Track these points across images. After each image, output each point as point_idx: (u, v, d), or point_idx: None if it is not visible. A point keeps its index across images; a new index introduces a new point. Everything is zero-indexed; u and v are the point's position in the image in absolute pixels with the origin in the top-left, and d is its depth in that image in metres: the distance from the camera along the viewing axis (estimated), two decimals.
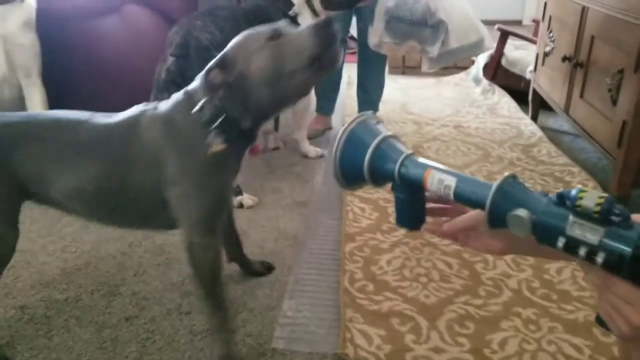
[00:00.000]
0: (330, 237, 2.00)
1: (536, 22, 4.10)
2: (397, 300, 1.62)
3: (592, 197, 0.73)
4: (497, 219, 0.80)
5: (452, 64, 3.00)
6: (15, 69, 2.25)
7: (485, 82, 3.84)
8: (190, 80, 1.40)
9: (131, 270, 1.80)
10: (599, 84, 2.30)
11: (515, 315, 1.55)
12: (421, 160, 0.91)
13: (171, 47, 2.03)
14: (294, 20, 2.25)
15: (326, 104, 3.12)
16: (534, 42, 3.55)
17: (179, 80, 1.43)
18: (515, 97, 3.57)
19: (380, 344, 1.45)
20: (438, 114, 3.39)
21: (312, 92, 2.76)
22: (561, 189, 0.77)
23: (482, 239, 0.92)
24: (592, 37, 2.42)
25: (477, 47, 2.69)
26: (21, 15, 2.21)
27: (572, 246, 0.74)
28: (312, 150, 2.76)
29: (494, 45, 2.83)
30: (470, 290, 1.67)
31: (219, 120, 1.29)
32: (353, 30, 3.15)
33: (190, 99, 1.35)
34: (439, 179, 0.87)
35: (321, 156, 2.75)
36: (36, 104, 2.30)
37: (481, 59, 3.93)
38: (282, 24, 1.35)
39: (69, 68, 2.52)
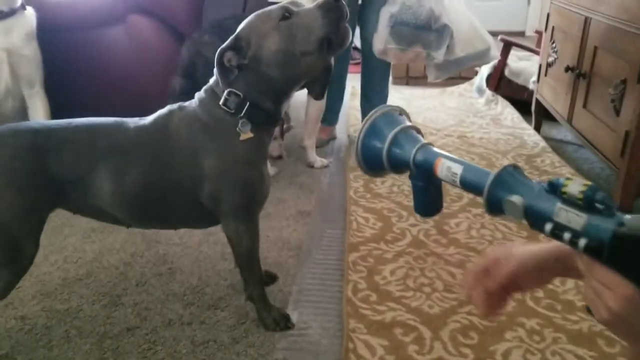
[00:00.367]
0: (334, 247, 1.99)
1: (539, 33, 4.11)
2: (400, 311, 1.61)
3: (576, 184, 0.77)
4: (494, 204, 0.85)
5: (458, 73, 2.98)
6: (18, 80, 2.26)
7: (488, 92, 3.84)
8: None
9: (133, 280, 1.79)
10: (601, 95, 2.30)
11: (519, 325, 1.54)
12: (434, 149, 0.97)
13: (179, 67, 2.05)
14: None
15: (330, 115, 3.12)
16: (536, 52, 3.56)
17: (186, 100, 1.49)
18: (519, 107, 3.57)
19: (383, 354, 1.44)
20: (442, 124, 3.39)
21: (324, 100, 2.75)
22: (552, 178, 0.81)
23: (532, 278, 0.93)
24: (595, 48, 2.42)
25: (483, 55, 2.69)
26: (24, 27, 2.23)
27: (558, 231, 0.78)
28: (318, 160, 2.75)
29: (498, 54, 2.84)
30: None
31: (246, 107, 1.35)
32: (357, 41, 3.15)
33: (212, 94, 1.40)
34: (448, 166, 0.92)
35: (326, 166, 2.74)
36: (39, 115, 2.31)
37: (484, 70, 3.94)
38: (292, 3, 1.37)
39: (73, 78, 2.53)
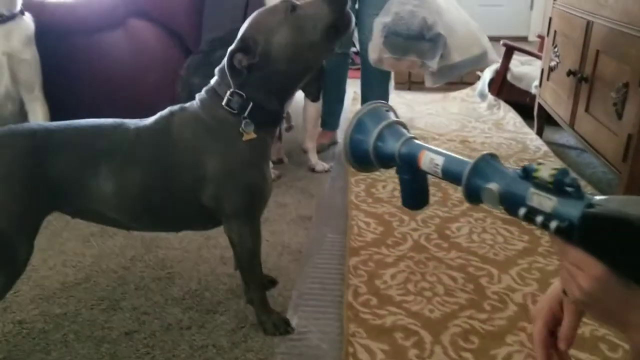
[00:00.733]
0: (335, 251, 1.98)
1: (541, 37, 4.11)
2: (400, 315, 1.59)
3: (547, 169, 0.79)
4: (473, 192, 0.88)
5: (457, 78, 2.97)
6: (18, 84, 2.26)
7: (490, 97, 3.83)
8: None
9: (132, 284, 1.78)
10: (604, 98, 2.29)
11: (520, 329, 1.52)
12: (418, 142, 1.00)
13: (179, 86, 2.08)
14: None
15: (331, 119, 3.12)
16: (539, 57, 3.55)
17: None
18: (521, 112, 3.56)
19: (383, 358, 1.42)
20: (444, 129, 3.38)
21: (321, 102, 2.75)
22: (526, 164, 0.82)
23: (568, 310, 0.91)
24: (597, 52, 2.41)
25: (480, 60, 2.68)
26: (23, 31, 2.23)
27: (531, 215, 0.80)
28: (319, 163, 2.75)
29: (499, 58, 2.82)
30: (475, 304, 1.64)
31: (249, 107, 1.35)
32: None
33: (214, 95, 1.40)
34: (431, 158, 0.95)
35: (327, 171, 2.74)
36: (39, 119, 2.31)
37: (487, 75, 3.93)
38: None
39: (73, 82, 2.53)
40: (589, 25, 2.50)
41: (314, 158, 2.76)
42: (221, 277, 1.82)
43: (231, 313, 1.64)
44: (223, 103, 1.36)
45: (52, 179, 1.34)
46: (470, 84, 4.24)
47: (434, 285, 1.74)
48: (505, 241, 1.99)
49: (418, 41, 2.55)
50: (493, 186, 0.84)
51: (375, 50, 2.63)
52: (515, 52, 3.75)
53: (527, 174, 0.81)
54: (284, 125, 2.87)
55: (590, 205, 0.77)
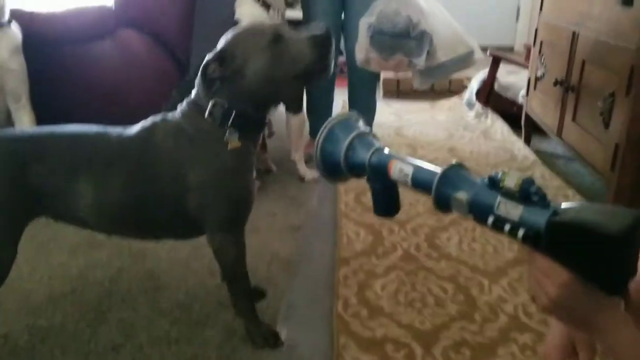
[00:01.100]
0: (325, 261, 1.97)
1: (527, 47, 4.13)
2: (391, 326, 1.58)
3: (512, 177, 0.82)
4: (442, 201, 0.91)
5: (445, 78, 2.96)
6: (4, 94, 2.24)
7: (478, 106, 3.84)
8: None
9: (119, 296, 1.76)
10: (590, 108, 2.30)
11: (511, 340, 1.52)
12: (387, 152, 1.04)
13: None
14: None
15: (320, 128, 3.10)
16: (525, 66, 3.56)
17: None
18: (508, 121, 3.57)
19: None
20: (432, 137, 3.39)
21: (303, 112, 2.74)
22: (493, 172, 0.85)
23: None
24: (583, 62, 2.42)
25: (466, 59, 2.68)
26: (10, 41, 2.21)
27: (499, 223, 0.83)
28: (308, 172, 2.74)
29: (484, 56, 2.80)
30: (465, 315, 1.63)
31: (232, 116, 1.35)
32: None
33: (195, 106, 1.39)
34: (400, 167, 0.98)
35: (316, 179, 2.73)
36: (26, 128, 2.28)
37: (474, 84, 3.95)
38: (282, 25, 1.38)
39: (62, 92, 2.51)
40: (574, 36, 2.51)
41: (302, 167, 2.75)
42: (209, 288, 1.80)
43: (220, 325, 1.62)
44: (206, 113, 1.36)
45: (34, 184, 1.35)
46: (458, 92, 4.26)
47: (424, 296, 1.73)
48: (495, 251, 1.98)
49: (404, 39, 2.55)
50: (462, 195, 0.87)
51: (361, 50, 2.63)
52: (502, 61, 3.77)
53: (494, 183, 0.84)
54: (266, 132, 2.86)
55: (556, 213, 0.79)
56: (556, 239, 0.79)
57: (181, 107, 1.44)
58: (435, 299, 1.71)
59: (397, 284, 1.80)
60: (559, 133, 2.64)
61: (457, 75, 4.15)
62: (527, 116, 3.23)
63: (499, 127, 3.52)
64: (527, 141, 3.27)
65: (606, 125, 2.14)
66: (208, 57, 1.34)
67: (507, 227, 0.82)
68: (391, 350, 1.48)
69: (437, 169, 0.93)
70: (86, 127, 1.45)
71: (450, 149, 3.15)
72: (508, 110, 3.63)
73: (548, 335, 0.98)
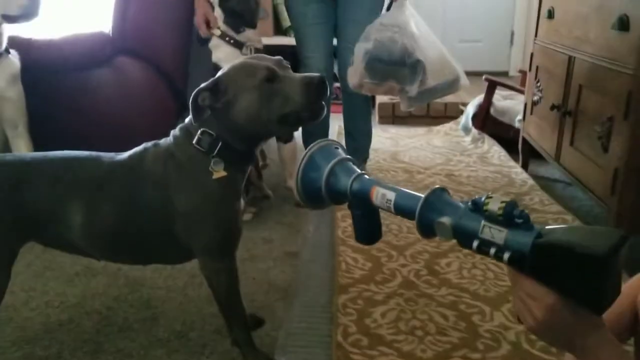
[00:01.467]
0: (323, 288, 1.95)
1: (523, 72, 4.15)
2: (392, 355, 1.56)
3: (496, 201, 0.83)
4: (426, 227, 0.91)
5: (430, 101, 2.97)
6: (2, 122, 2.23)
7: (474, 131, 3.85)
8: None
9: (116, 325, 1.74)
10: (588, 132, 2.30)
11: None
12: (369, 178, 1.05)
13: None
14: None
15: None
16: (521, 91, 3.58)
17: None
18: (505, 145, 3.58)
19: None
20: (429, 162, 3.39)
21: (294, 140, 2.74)
22: (475, 197, 0.86)
23: None
24: (580, 86, 2.43)
25: (453, 85, 2.70)
26: (8, 70, 2.21)
27: (484, 247, 0.84)
28: None
29: (469, 82, 2.82)
30: (468, 343, 1.61)
31: (218, 147, 1.35)
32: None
33: (187, 133, 1.40)
34: (382, 193, 0.99)
35: None
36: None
37: (470, 109, 3.96)
38: (279, 64, 1.38)
39: (59, 119, 2.51)
40: (570, 61, 2.53)
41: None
42: (207, 317, 1.78)
43: (217, 355, 1.60)
44: (194, 141, 1.37)
45: (26, 209, 1.36)
46: (454, 117, 4.27)
47: (425, 324, 1.71)
48: (495, 277, 1.97)
49: (399, 67, 2.57)
50: (445, 220, 0.87)
51: (356, 74, 2.63)
52: (498, 87, 3.78)
53: (477, 207, 0.85)
54: (260, 163, 2.85)
55: (540, 235, 0.80)
56: (541, 261, 0.80)
57: (174, 132, 1.45)
58: (436, 327, 1.69)
59: (397, 311, 1.78)
60: (557, 158, 2.64)
61: (452, 100, 4.19)
62: (524, 141, 3.23)
63: (495, 151, 3.53)
64: (525, 166, 3.27)
65: (605, 149, 2.14)
66: (202, 85, 1.34)
67: (492, 250, 0.83)
68: None
69: (419, 195, 0.94)
70: (79, 153, 1.46)
71: (447, 174, 3.14)
72: (505, 135, 3.64)
73: None
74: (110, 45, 2.52)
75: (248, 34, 2.48)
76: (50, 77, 2.46)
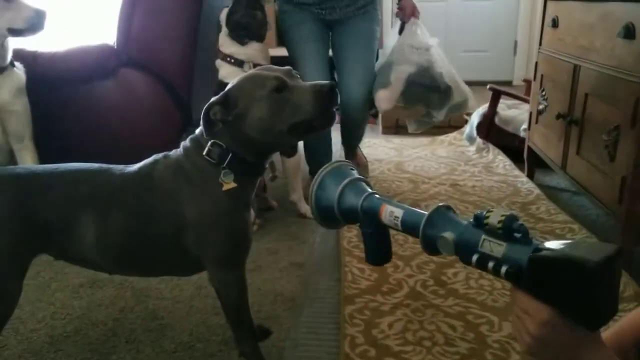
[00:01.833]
0: (329, 299, 1.94)
1: (527, 81, 4.16)
2: None
3: (496, 215, 0.83)
4: (429, 243, 0.92)
5: (437, 123, 2.95)
6: (7, 134, 2.24)
7: (479, 140, 3.84)
8: None
9: (122, 337, 1.73)
10: (595, 141, 2.29)
11: None
12: (379, 197, 1.07)
13: None
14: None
15: (317, 167, 3.09)
16: (526, 100, 3.58)
17: None
18: (510, 155, 3.57)
19: None
20: (434, 172, 3.38)
21: (298, 154, 2.74)
22: (478, 211, 0.87)
23: None
24: (586, 95, 2.42)
25: (462, 107, 2.69)
26: (13, 83, 2.22)
27: (483, 261, 0.84)
28: (309, 211, 2.71)
29: (477, 104, 2.83)
30: (476, 354, 1.60)
31: (228, 158, 1.36)
32: None
33: (197, 144, 1.40)
34: (390, 211, 1.01)
35: None
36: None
37: (474, 118, 3.95)
38: (288, 74, 1.38)
39: (64, 131, 2.51)
40: (576, 69, 2.52)
41: (303, 207, 2.73)
42: (214, 327, 1.77)
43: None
44: (204, 153, 1.37)
45: (37, 221, 1.35)
46: (458, 127, 4.26)
47: (433, 335, 1.70)
48: (503, 287, 1.95)
49: (432, 92, 2.57)
50: (448, 235, 0.88)
51: (391, 99, 2.60)
52: (502, 96, 3.78)
53: (479, 221, 0.86)
54: (269, 174, 2.86)
55: (538, 249, 0.80)
56: (536, 275, 0.80)
57: (184, 144, 1.45)
58: (444, 338, 1.68)
59: (405, 322, 1.77)
60: (564, 167, 2.63)
61: None
62: (529, 150, 3.23)
63: (500, 161, 3.52)
64: (530, 175, 3.26)
65: (612, 158, 2.13)
66: (213, 99, 1.34)
67: (490, 264, 0.83)
68: None
69: (425, 212, 0.96)
70: (88, 165, 1.46)
71: (452, 184, 3.14)
72: (510, 144, 3.63)
73: None
74: (114, 58, 2.53)
75: (250, 50, 2.49)
76: (55, 90, 2.47)
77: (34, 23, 2.13)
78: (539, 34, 3.09)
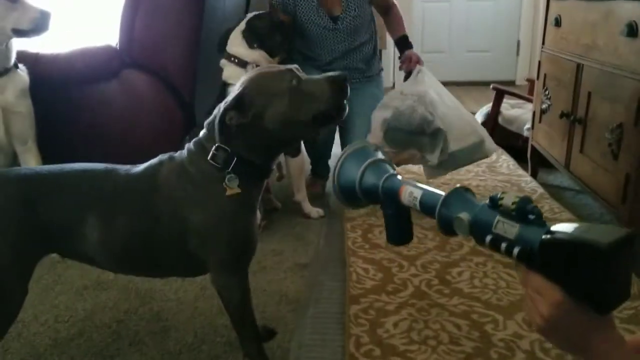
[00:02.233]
0: (334, 299, 1.94)
1: (530, 81, 4.15)
2: None
3: (510, 196, 0.84)
4: (445, 223, 0.93)
5: (455, 169, 2.89)
6: (11, 136, 2.24)
7: None
8: None
9: (126, 339, 1.72)
10: (598, 139, 2.29)
11: None
12: (400, 178, 1.08)
13: None
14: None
15: (321, 169, 3.10)
16: (529, 100, 3.57)
17: None
18: (514, 154, 3.56)
19: None
20: None
21: (302, 154, 2.74)
22: (493, 193, 0.88)
23: None
24: (589, 93, 2.42)
25: (477, 149, 2.62)
26: (17, 85, 2.21)
27: (496, 242, 0.84)
28: (314, 211, 2.72)
29: (497, 147, 2.76)
30: (481, 353, 1.59)
31: (233, 162, 1.35)
32: None
33: (201, 148, 1.39)
34: (410, 192, 1.02)
35: (322, 217, 2.71)
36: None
37: (478, 118, 3.94)
38: (296, 69, 1.39)
39: (67, 133, 2.52)
40: (579, 68, 2.52)
41: (307, 207, 2.73)
42: (218, 329, 1.76)
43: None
44: (208, 157, 1.36)
45: (42, 222, 1.35)
46: None
47: (438, 334, 1.69)
48: (507, 286, 1.95)
49: (418, 136, 2.54)
50: (463, 215, 0.89)
51: (375, 139, 2.61)
52: (505, 95, 3.78)
53: (494, 203, 0.86)
54: (276, 174, 2.86)
55: (550, 231, 0.80)
56: (549, 256, 0.80)
57: (188, 147, 1.44)
58: (449, 337, 1.68)
59: (410, 321, 1.76)
60: (567, 165, 2.63)
61: None
62: (533, 149, 3.22)
63: (504, 160, 3.52)
64: (534, 174, 3.25)
65: (615, 156, 2.12)
66: (225, 105, 1.33)
67: (503, 245, 0.83)
68: None
69: (441, 194, 0.98)
70: (94, 165, 1.46)
71: (456, 184, 3.12)
72: (513, 144, 3.63)
73: None
74: (117, 59, 2.53)
75: (257, 55, 2.47)
76: (58, 91, 2.47)
77: (39, 24, 2.13)
78: (542, 33, 3.08)
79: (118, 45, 2.55)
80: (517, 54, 5.95)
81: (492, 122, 3.77)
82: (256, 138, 1.36)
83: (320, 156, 3.06)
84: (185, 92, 2.63)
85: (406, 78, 2.80)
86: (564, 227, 0.81)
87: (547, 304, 0.80)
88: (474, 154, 2.65)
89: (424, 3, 5.99)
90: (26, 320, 1.81)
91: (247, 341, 1.53)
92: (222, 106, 1.34)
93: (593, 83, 2.40)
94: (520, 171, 3.32)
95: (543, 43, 3.07)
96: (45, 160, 2.33)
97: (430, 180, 2.82)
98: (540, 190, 2.97)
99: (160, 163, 1.44)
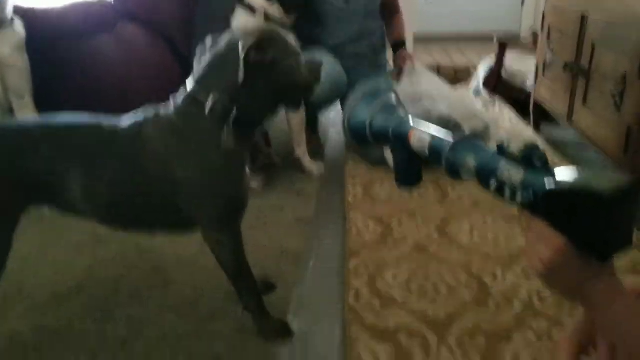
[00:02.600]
0: (334, 253, 1.94)
1: (535, 34, 4.08)
2: (404, 316, 1.55)
3: (517, 143, 0.84)
4: (452, 167, 0.93)
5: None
6: (7, 91, 2.22)
7: (485, 94, 3.80)
8: None
9: (126, 293, 1.74)
10: (602, 91, 2.25)
11: (526, 327, 1.49)
12: (410, 121, 1.06)
13: None
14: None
15: (318, 123, 3.08)
16: (533, 53, 3.52)
17: None
18: (517, 108, 3.53)
19: None
20: None
21: (302, 109, 2.71)
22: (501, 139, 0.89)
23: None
24: (593, 45, 2.37)
25: (484, 135, 2.64)
26: (13, 38, 2.19)
27: (501, 187, 0.84)
28: (314, 167, 2.71)
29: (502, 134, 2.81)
30: (480, 303, 1.60)
31: (232, 115, 1.32)
32: None
33: (192, 103, 1.35)
34: (419, 136, 1.01)
35: (322, 172, 2.70)
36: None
37: (481, 72, 3.90)
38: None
39: (62, 88, 2.49)
40: (584, 19, 2.47)
41: (307, 162, 2.72)
42: (217, 283, 1.76)
43: (229, 320, 1.60)
44: (207, 109, 1.31)
45: (27, 173, 1.35)
46: (465, 80, 4.21)
47: (437, 285, 1.69)
48: (506, 239, 1.95)
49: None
50: (469, 159, 0.89)
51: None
52: (509, 49, 3.72)
53: (501, 150, 0.86)
54: (272, 153, 2.82)
55: (554, 178, 0.79)
56: (553, 203, 0.79)
57: (175, 102, 1.40)
58: (448, 288, 1.68)
59: (409, 273, 1.76)
60: (570, 118, 2.60)
61: (463, 64, 4.12)
62: (535, 103, 3.18)
63: (507, 115, 3.48)
64: (537, 128, 3.23)
65: (618, 108, 2.09)
66: (247, 43, 1.30)
67: (507, 190, 0.83)
68: (405, 340, 1.45)
69: (450, 140, 0.96)
70: (79, 118, 1.44)
71: None
72: (516, 98, 3.59)
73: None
74: (112, 12, 2.50)
75: (275, 8, 2.39)
76: (53, 45, 2.44)
77: None
78: None
79: None
80: (522, 3, 5.84)
81: (495, 77, 3.73)
82: (261, 89, 1.35)
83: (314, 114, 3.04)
84: (182, 44, 2.60)
85: (398, 75, 2.77)
86: (567, 174, 0.80)
87: (547, 248, 0.79)
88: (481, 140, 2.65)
89: None
90: (26, 275, 1.82)
91: (246, 295, 1.53)
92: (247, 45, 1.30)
93: (598, 34, 2.35)
94: (523, 125, 3.29)
95: None
96: (40, 113, 2.32)
97: None
98: (543, 144, 2.95)
99: (146, 119, 1.40)
